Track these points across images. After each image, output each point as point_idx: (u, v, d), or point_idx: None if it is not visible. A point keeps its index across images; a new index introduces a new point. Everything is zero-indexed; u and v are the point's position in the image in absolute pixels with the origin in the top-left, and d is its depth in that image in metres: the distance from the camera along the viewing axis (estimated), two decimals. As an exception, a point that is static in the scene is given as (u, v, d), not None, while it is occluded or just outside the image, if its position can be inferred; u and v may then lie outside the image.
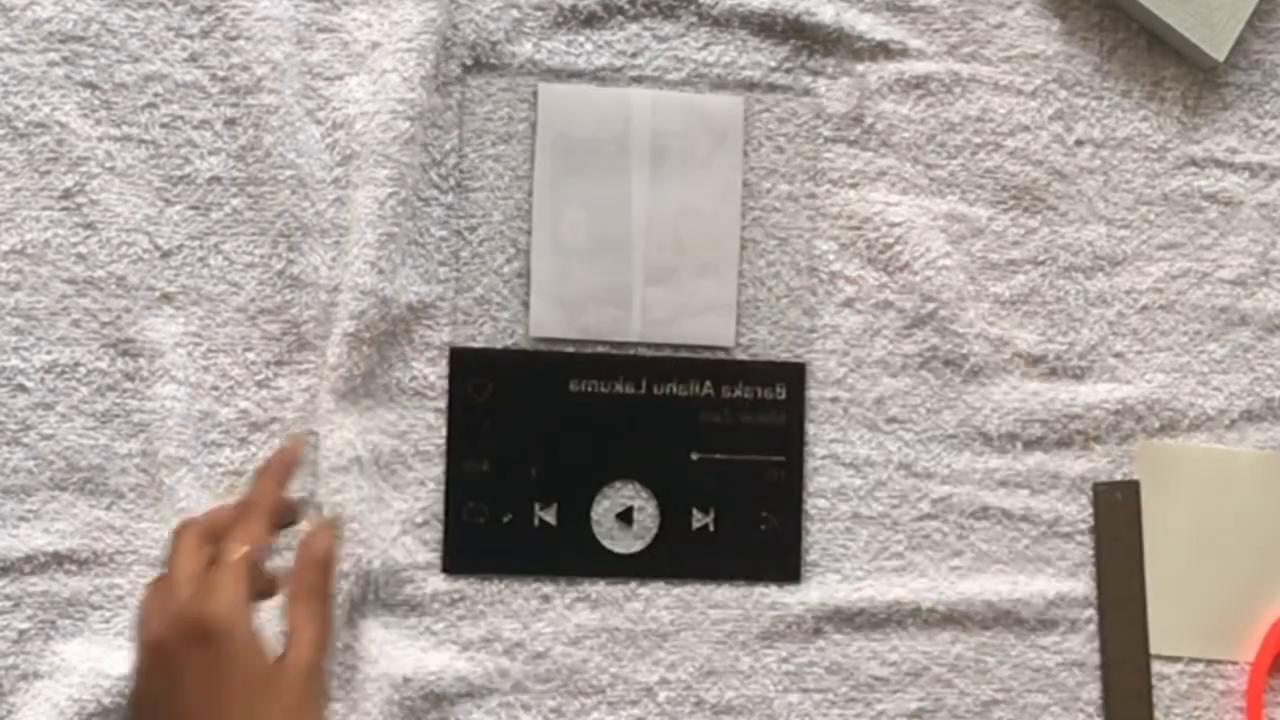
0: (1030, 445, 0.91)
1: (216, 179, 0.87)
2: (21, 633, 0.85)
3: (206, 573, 0.74)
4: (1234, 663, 0.92)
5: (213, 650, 0.72)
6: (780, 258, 0.91)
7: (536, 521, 0.89)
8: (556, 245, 0.89)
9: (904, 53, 0.92)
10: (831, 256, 0.91)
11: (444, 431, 0.88)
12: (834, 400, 0.91)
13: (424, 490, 0.88)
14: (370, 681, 0.86)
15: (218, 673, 0.72)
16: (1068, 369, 0.92)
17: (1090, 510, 0.92)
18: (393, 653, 0.86)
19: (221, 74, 0.87)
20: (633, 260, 0.89)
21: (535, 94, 0.89)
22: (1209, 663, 0.91)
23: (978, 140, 0.92)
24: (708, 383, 0.90)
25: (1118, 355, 0.92)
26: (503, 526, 0.88)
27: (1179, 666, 0.91)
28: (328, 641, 0.77)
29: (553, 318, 0.89)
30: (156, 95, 0.87)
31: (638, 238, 0.89)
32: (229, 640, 0.72)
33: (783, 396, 0.90)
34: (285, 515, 0.81)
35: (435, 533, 0.88)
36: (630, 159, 0.89)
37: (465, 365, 0.88)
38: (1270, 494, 0.93)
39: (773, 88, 0.91)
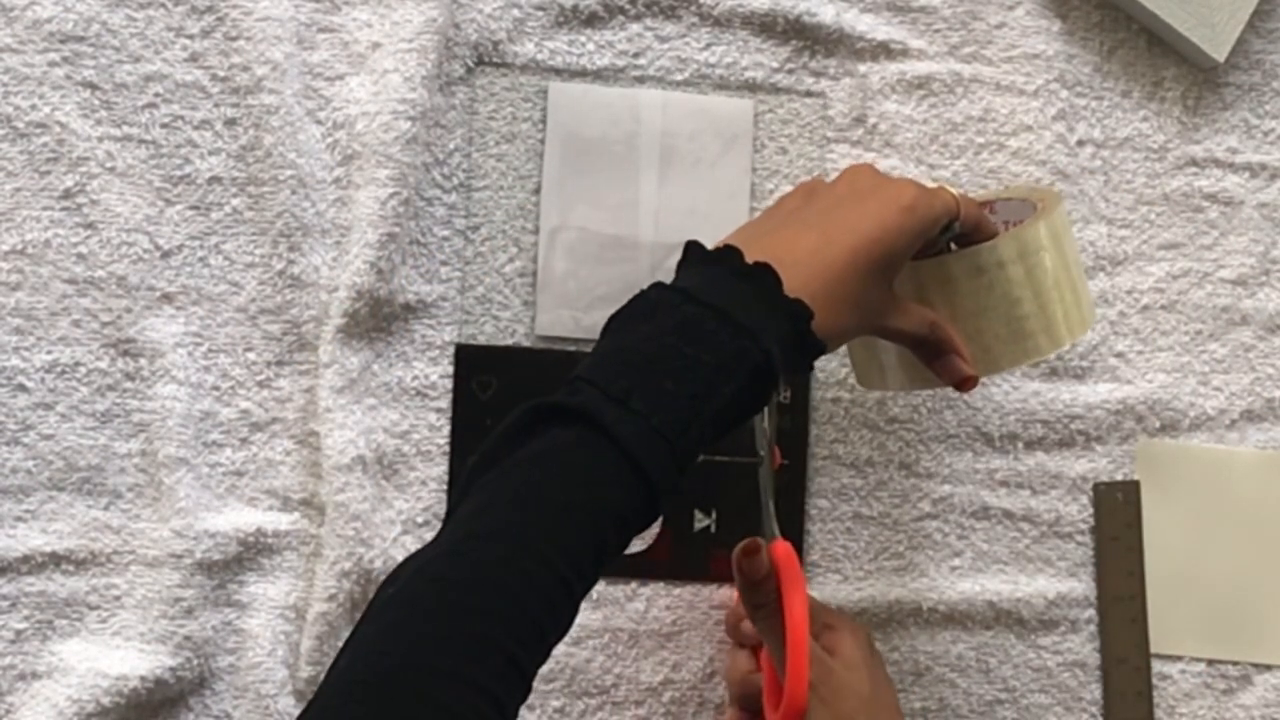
0: (1031, 445, 0.91)
1: (216, 179, 0.87)
2: (19, 633, 0.85)
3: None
4: (1234, 662, 0.92)
5: None
6: (782, 258, 0.90)
7: (539, 522, 0.88)
8: (564, 244, 0.89)
9: (905, 53, 0.92)
10: (833, 257, 0.91)
11: (446, 431, 0.88)
12: (835, 401, 0.91)
13: (426, 490, 0.88)
14: (373, 682, 0.85)
15: None
16: (1068, 369, 0.92)
17: (1090, 510, 0.92)
18: (395, 653, 0.86)
19: (222, 74, 0.87)
20: (640, 260, 0.89)
21: (540, 93, 0.89)
22: (1209, 663, 0.91)
23: (980, 140, 0.92)
24: (710, 383, 0.90)
25: (1119, 355, 0.92)
26: (505, 527, 0.88)
27: (1179, 666, 0.91)
28: None
29: (559, 318, 0.88)
30: (156, 95, 0.87)
31: (645, 238, 0.89)
32: None
33: (784, 397, 0.90)
34: None
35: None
36: (639, 159, 0.89)
37: (470, 362, 0.88)
38: (1270, 494, 0.93)
39: (775, 89, 0.91)
